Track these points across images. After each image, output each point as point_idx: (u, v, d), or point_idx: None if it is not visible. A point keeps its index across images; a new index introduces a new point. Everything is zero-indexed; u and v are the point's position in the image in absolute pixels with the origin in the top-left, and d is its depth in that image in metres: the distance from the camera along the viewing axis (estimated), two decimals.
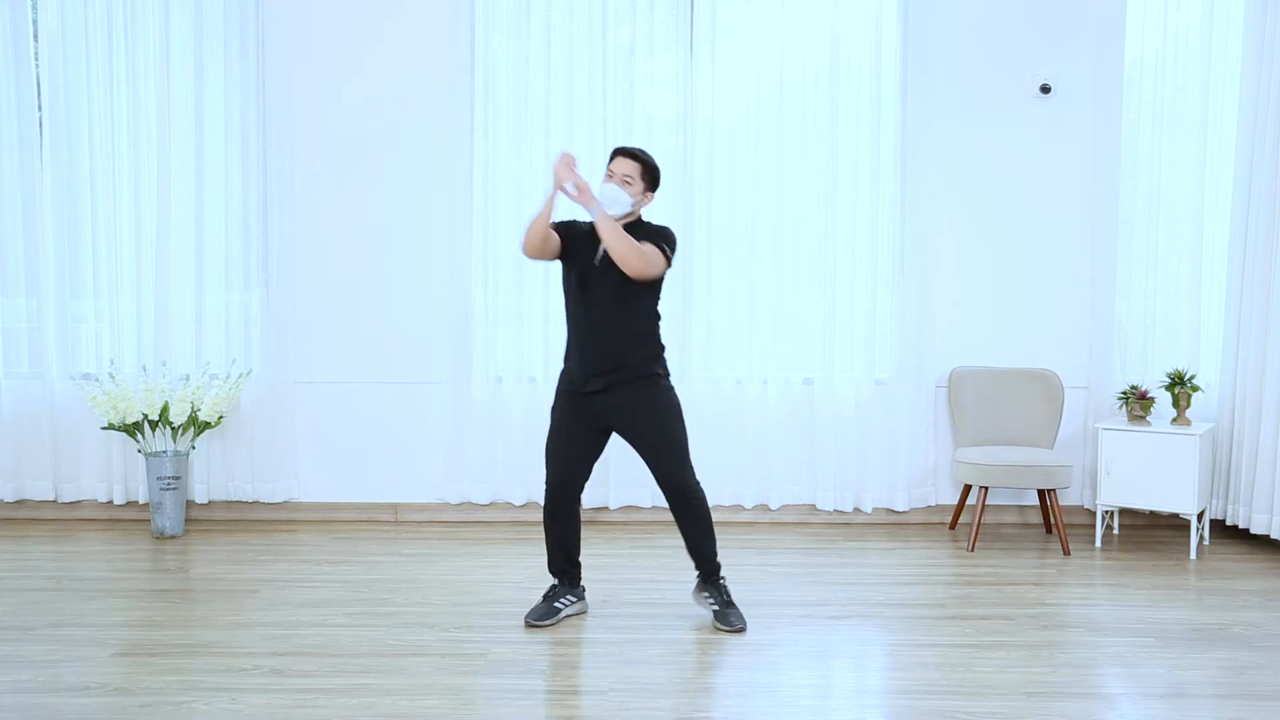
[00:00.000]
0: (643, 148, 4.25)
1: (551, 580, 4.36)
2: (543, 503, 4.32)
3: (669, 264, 4.11)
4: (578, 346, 4.16)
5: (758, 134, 5.67)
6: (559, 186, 4.00)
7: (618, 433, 4.24)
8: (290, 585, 4.68)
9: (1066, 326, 5.77)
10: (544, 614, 4.22)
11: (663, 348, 4.23)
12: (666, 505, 5.73)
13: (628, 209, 4.08)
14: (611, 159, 4.14)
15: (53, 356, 5.73)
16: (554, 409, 4.30)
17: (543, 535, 5.17)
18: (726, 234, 5.70)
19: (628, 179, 4.07)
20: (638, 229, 4.12)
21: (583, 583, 4.38)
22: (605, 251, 4.02)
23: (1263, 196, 5.25)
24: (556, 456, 4.26)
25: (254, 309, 5.76)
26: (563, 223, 4.16)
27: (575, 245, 4.12)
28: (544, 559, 5.05)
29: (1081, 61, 5.66)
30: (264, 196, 5.71)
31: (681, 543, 5.27)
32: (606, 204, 4.03)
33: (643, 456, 4.20)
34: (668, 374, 4.23)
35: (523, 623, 4.20)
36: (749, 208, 5.68)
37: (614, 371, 4.11)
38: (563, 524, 4.27)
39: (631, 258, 3.95)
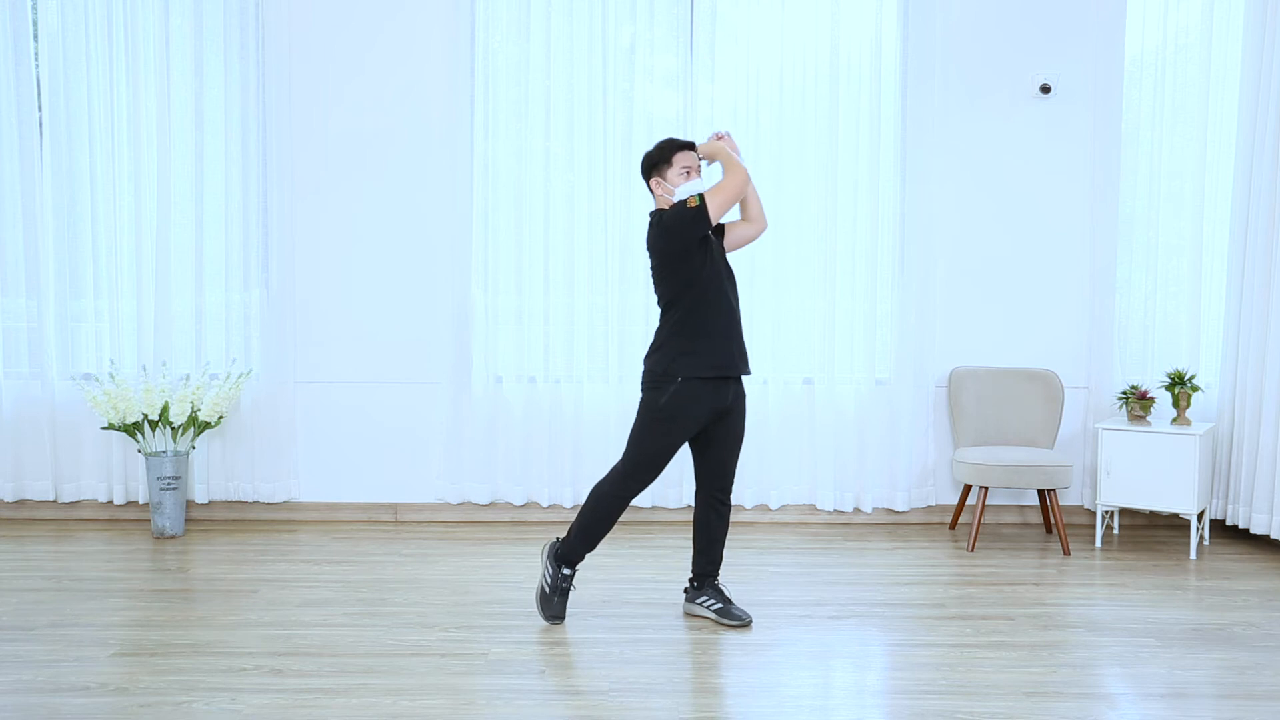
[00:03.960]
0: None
1: (564, 571, 4.22)
2: (609, 499, 4.09)
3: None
4: (727, 328, 4.06)
5: (758, 134, 5.67)
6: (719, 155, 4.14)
7: (721, 426, 4.13)
8: (290, 585, 4.68)
9: (1066, 326, 5.77)
10: (564, 608, 4.21)
11: None
12: (666, 505, 5.79)
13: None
14: (674, 157, 4.09)
15: (53, 356, 5.73)
16: (679, 406, 4.02)
17: (544, 535, 5.18)
18: None
19: (698, 169, 4.15)
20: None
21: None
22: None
23: (1263, 196, 5.25)
24: (659, 465, 4.09)
25: (254, 309, 5.76)
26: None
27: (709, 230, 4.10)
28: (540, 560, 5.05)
29: (1081, 61, 5.66)
30: (264, 196, 5.71)
31: (682, 544, 5.27)
32: (691, 190, 4.08)
33: (716, 453, 4.15)
34: None
35: (540, 621, 4.19)
36: None
37: (741, 368, 4.13)
38: (613, 523, 4.17)
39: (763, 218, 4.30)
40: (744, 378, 4.27)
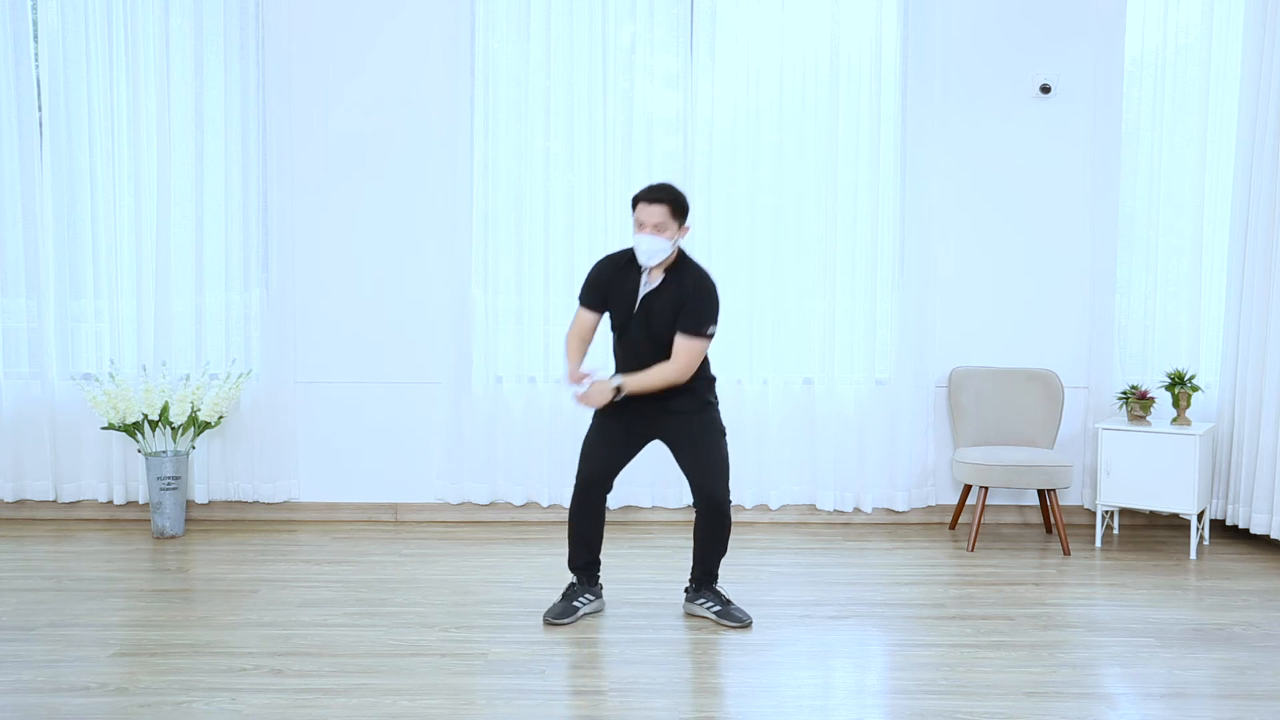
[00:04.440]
0: (663, 183, 4.10)
1: (570, 578, 4.34)
2: (570, 499, 4.30)
3: (710, 338, 4.07)
4: (627, 372, 4.15)
5: (758, 134, 5.67)
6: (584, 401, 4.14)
7: (663, 442, 4.25)
8: (290, 585, 4.68)
9: (1066, 326, 5.77)
10: (561, 613, 4.21)
11: (713, 379, 4.26)
12: (667, 505, 5.79)
13: (667, 253, 4.01)
14: (636, 206, 4.01)
15: (53, 356, 5.73)
16: (597, 410, 4.24)
17: (544, 535, 5.17)
18: (726, 234, 5.70)
19: (660, 227, 3.97)
20: (681, 274, 4.04)
21: (601, 581, 4.39)
22: (643, 300, 4.05)
23: (1263, 196, 5.25)
24: (593, 455, 4.23)
25: (254, 309, 5.75)
26: (595, 295, 4.15)
27: (612, 297, 4.11)
28: (544, 559, 5.06)
29: (1081, 61, 5.66)
30: (264, 196, 5.71)
31: (682, 544, 5.27)
32: (649, 257, 3.99)
33: (684, 468, 4.22)
34: (717, 401, 4.27)
35: (541, 621, 4.20)
36: (749, 208, 5.68)
37: (664, 398, 4.13)
38: (588, 521, 4.25)
39: (674, 380, 4.05)
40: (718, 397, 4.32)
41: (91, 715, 3.38)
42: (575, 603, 4.25)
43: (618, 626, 4.19)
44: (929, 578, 4.87)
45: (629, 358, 4.15)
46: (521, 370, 5.73)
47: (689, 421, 4.17)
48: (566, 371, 4.21)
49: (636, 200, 4.03)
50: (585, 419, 5.64)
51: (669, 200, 3.98)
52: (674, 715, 3.41)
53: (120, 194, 5.70)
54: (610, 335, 4.25)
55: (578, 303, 4.21)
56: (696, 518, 4.25)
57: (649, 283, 4.07)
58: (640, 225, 3.99)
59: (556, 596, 4.36)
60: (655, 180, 5.57)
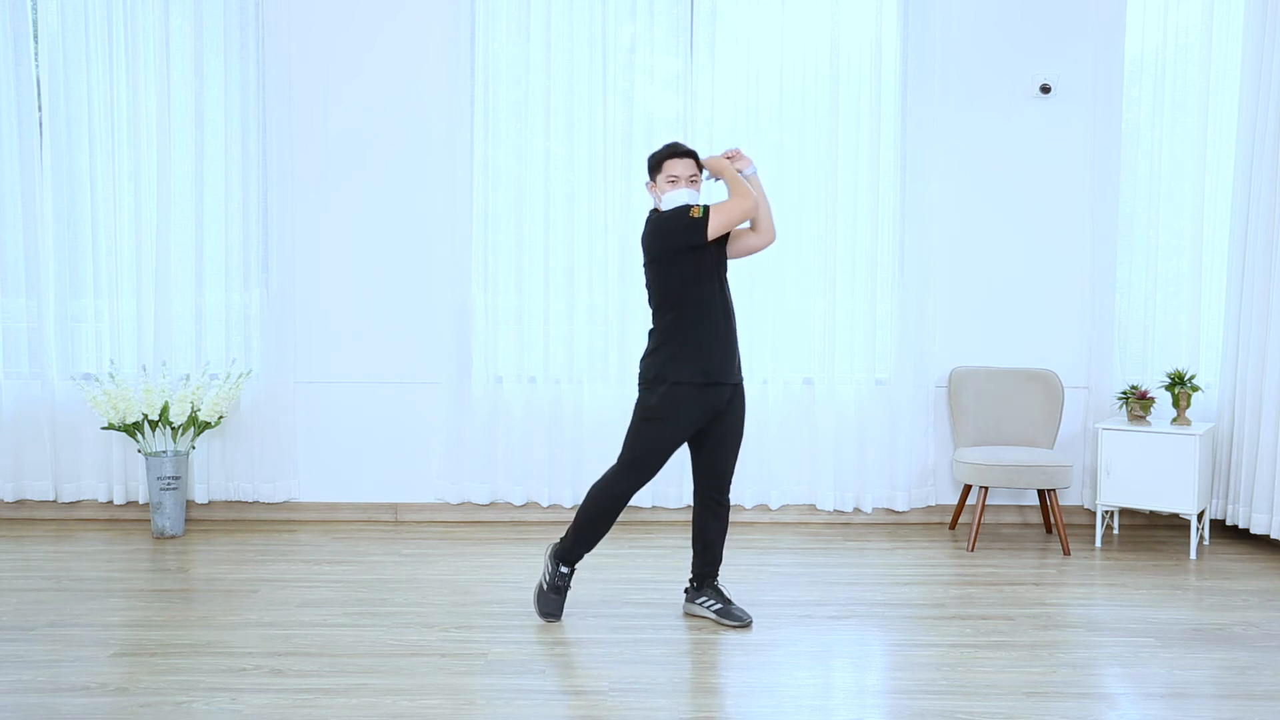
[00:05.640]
0: (674, 141, 4.27)
1: (563, 570, 4.25)
2: (611, 495, 4.10)
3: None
4: (719, 335, 4.05)
5: (758, 134, 5.66)
6: (724, 173, 4.11)
7: (718, 427, 4.13)
8: (290, 585, 4.68)
9: (1066, 326, 5.77)
10: (558, 607, 4.22)
11: None
12: (666, 505, 5.78)
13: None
14: (662, 164, 4.08)
15: (53, 356, 5.73)
16: (669, 408, 4.03)
17: (544, 535, 5.13)
18: None
19: (693, 179, 4.10)
20: None
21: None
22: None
23: (1263, 196, 5.25)
24: (659, 457, 4.08)
25: (254, 309, 5.76)
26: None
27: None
28: (543, 558, 5.05)
29: (1081, 61, 5.66)
30: (264, 197, 5.71)
31: (682, 544, 5.26)
32: (676, 201, 4.06)
33: (712, 455, 4.16)
34: None
35: (542, 620, 4.20)
36: None
37: (736, 368, 4.16)
38: (613, 522, 4.18)
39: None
40: (744, 379, 4.26)
41: (91, 715, 3.38)
42: (565, 593, 4.26)
43: (618, 626, 4.19)
44: (929, 578, 4.87)
45: (714, 306, 4.06)
46: (521, 370, 5.74)
47: (737, 416, 4.16)
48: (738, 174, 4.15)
49: (664, 158, 4.10)
50: (586, 419, 5.69)
51: (693, 154, 4.14)
52: (674, 715, 3.41)
53: (120, 194, 5.70)
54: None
55: (704, 237, 3.97)
56: (704, 512, 4.22)
57: None
58: (674, 180, 4.08)
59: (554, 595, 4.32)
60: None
